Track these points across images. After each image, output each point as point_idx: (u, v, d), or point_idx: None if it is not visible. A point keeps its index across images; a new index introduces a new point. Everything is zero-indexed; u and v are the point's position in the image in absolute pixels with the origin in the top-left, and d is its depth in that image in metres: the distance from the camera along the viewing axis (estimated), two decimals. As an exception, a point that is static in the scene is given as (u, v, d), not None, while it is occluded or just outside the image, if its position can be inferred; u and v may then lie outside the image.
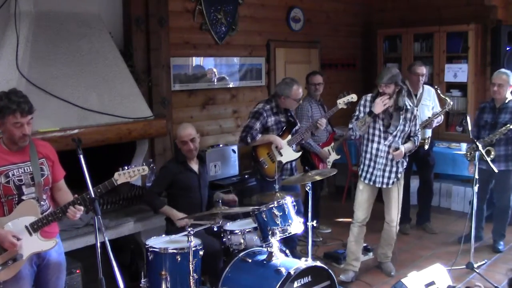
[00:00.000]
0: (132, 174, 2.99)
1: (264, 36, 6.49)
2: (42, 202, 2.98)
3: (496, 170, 4.68)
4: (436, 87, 5.56)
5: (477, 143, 4.57)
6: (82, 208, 2.92)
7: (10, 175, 2.90)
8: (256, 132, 4.64)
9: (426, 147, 5.37)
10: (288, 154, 4.74)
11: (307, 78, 5.66)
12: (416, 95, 5.52)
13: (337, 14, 7.49)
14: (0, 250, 2.85)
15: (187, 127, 4.23)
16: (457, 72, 6.89)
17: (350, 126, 4.48)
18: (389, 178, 4.43)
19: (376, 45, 7.61)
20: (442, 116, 5.56)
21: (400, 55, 7.41)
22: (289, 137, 4.77)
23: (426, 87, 5.62)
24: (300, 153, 4.97)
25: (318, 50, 7.20)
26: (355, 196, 4.64)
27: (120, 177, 2.97)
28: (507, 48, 6.58)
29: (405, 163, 4.51)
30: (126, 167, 2.99)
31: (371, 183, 4.46)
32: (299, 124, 4.97)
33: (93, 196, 2.83)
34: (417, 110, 5.26)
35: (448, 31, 6.90)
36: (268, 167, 4.68)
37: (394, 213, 4.56)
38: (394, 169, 4.42)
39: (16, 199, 2.92)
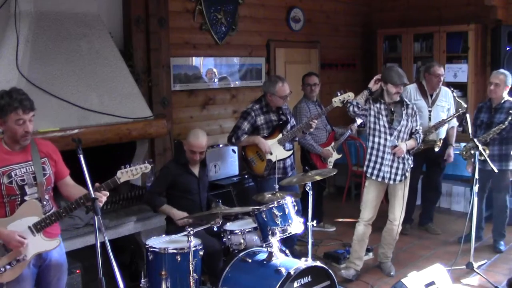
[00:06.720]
0: (135, 172, 2.97)
1: (264, 36, 6.49)
2: (44, 202, 2.97)
3: (496, 170, 4.67)
4: (452, 89, 5.44)
5: (477, 142, 4.57)
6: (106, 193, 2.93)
7: (13, 175, 2.88)
8: (242, 132, 4.63)
9: (437, 148, 5.32)
10: (279, 152, 4.67)
11: (303, 79, 5.64)
12: (431, 95, 5.46)
13: (337, 14, 7.49)
14: (3, 251, 2.84)
15: (199, 138, 4.15)
16: (457, 72, 6.89)
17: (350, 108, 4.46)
18: (396, 174, 4.45)
19: (376, 45, 7.62)
20: (456, 120, 5.47)
21: (400, 55, 7.41)
22: (280, 135, 4.75)
23: (444, 88, 5.51)
24: (291, 152, 4.89)
25: (318, 50, 7.19)
26: (363, 195, 4.64)
27: (123, 175, 2.96)
28: (507, 48, 6.58)
29: (410, 161, 4.53)
30: (128, 165, 2.98)
31: (380, 179, 4.48)
32: (292, 122, 4.93)
33: (93, 196, 2.82)
34: (430, 110, 5.28)
35: (448, 31, 6.90)
36: (257, 165, 4.67)
37: (397, 212, 4.57)
38: (401, 165, 4.44)
39: (19, 199, 2.90)
